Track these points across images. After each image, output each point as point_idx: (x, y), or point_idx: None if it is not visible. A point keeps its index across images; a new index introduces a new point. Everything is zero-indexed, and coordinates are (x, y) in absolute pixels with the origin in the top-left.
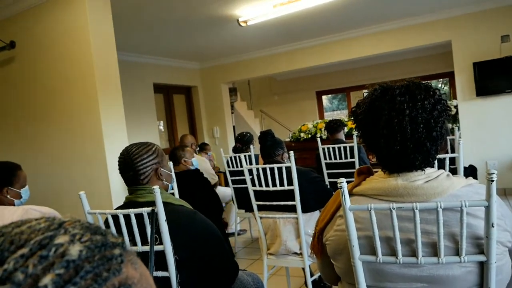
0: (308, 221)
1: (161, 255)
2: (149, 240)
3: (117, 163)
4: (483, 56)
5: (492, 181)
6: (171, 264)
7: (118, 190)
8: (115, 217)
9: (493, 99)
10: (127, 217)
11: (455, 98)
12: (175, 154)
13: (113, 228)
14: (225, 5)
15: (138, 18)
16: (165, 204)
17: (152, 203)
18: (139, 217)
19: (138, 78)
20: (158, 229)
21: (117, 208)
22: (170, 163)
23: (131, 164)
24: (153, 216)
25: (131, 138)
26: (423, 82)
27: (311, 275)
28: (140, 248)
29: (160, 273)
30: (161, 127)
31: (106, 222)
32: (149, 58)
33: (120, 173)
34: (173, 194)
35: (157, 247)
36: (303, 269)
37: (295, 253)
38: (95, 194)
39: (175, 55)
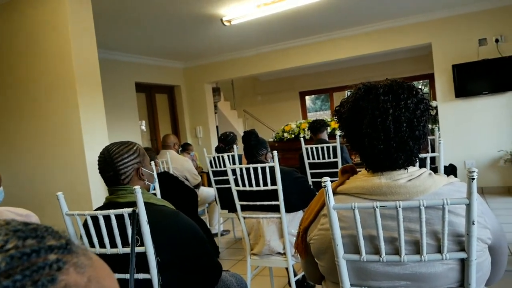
0: (292, 221)
1: (143, 257)
2: (130, 242)
3: (97, 162)
4: (462, 59)
5: (473, 179)
6: (153, 266)
7: (98, 190)
8: (95, 219)
9: (472, 100)
10: (107, 218)
11: (435, 99)
12: None
13: (92, 230)
14: (209, 4)
15: (121, 16)
16: (147, 204)
17: (133, 204)
18: (119, 218)
19: (120, 76)
20: (140, 231)
21: (96, 209)
22: (152, 163)
23: (111, 163)
24: (134, 217)
25: (112, 138)
26: (406, 82)
27: (295, 275)
28: (120, 250)
29: (141, 276)
30: (143, 127)
31: (85, 223)
32: (132, 56)
33: (100, 173)
34: (155, 194)
35: (138, 249)
36: (287, 269)
37: (279, 253)
38: (74, 195)
39: (158, 54)
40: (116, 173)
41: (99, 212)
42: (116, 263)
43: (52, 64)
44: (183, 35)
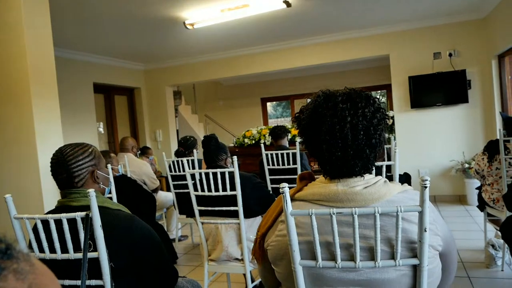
0: (250, 227)
1: (96, 262)
2: (82, 247)
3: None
4: (417, 71)
5: (426, 187)
6: (106, 272)
7: (51, 194)
8: (45, 223)
9: (426, 111)
10: (58, 223)
11: (392, 109)
12: None
13: (42, 234)
14: (172, 7)
15: (79, 13)
16: (102, 208)
17: (87, 208)
18: (72, 222)
19: (77, 76)
20: (93, 235)
21: (48, 213)
22: (109, 166)
23: (64, 165)
24: (87, 221)
25: (68, 139)
26: (364, 91)
27: (252, 281)
28: (72, 255)
29: (94, 282)
30: (101, 129)
31: (35, 228)
32: (90, 56)
33: (52, 175)
34: (111, 198)
35: (91, 254)
36: (244, 275)
37: (237, 259)
38: (25, 198)
39: (118, 54)
40: (69, 176)
41: (50, 216)
42: (67, 269)
43: (4, 61)
44: (145, 37)
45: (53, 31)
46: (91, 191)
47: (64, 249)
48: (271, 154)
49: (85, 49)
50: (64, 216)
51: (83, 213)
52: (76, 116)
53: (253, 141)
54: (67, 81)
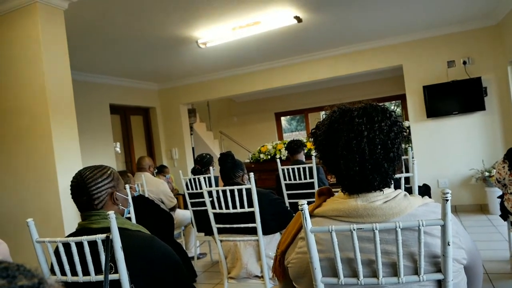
0: (269, 243)
1: (117, 284)
2: (103, 269)
3: (69, 187)
4: (432, 80)
5: (447, 200)
6: None
7: (71, 216)
8: (67, 246)
9: (442, 120)
10: (79, 245)
11: (407, 119)
12: None
13: (64, 257)
14: (184, 27)
15: (94, 37)
16: (121, 230)
17: (107, 230)
18: (92, 244)
19: (93, 98)
20: (113, 257)
21: (68, 236)
22: (127, 186)
23: (84, 188)
24: (107, 243)
25: (86, 160)
26: (379, 104)
27: None
28: (93, 278)
29: None
30: (118, 149)
31: (57, 250)
32: (106, 78)
33: (72, 198)
34: (129, 219)
35: (112, 276)
36: None
37: (256, 276)
38: (46, 221)
39: (132, 75)
40: (89, 198)
41: (71, 238)
42: None
43: (24, 86)
44: (158, 57)
45: (70, 55)
46: (111, 213)
47: (86, 272)
48: (288, 169)
49: (101, 72)
50: (85, 239)
51: (103, 235)
52: (94, 137)
53: (269, 156)
54: (84, 103)
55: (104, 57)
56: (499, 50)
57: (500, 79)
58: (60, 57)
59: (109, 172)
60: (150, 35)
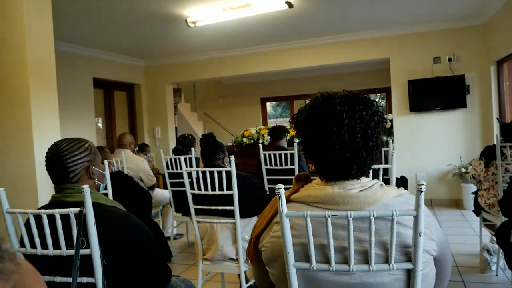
0: (246, 227)
1: (88, 259)
2: (74, 244)
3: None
4: (417, 75)
5: (421, 191)
6: (98, 269)
7: (47, 189)
8: (38, 218)
9: (424, 115)
10: (51, 218)
11: (390, 112)
12: None
13: (34, 230)
14: (174, 4)
15: (80, 7)
16: (96, 205)
17: (81, 204)
18: (65, 218)
19: (77, 70)
20: (86, 232)
21: (41, 208)
22: (106, 162)
23: (60, 160)
24: (80, 217)
25: (66, 134)
26: (362, 94)
27: (247, 281)
28: (64, 252)
29: (85, 279)
30: (100, 124)
31: (27, 223)
32: (91, 50)
33: (47, 169)
34: (106, 195)
35: (84, 251)
36: (239, 275)
37: (231, 259)
38: (19, 192)
39: (118, 50)
40: (64, 171)
41: (43, 211)
42: (58, 265)
43: (4, 52)
44: (146, 33)
45: (54, 24)
46: (86, 187)
47: (56, 245)
48: (269, 154)
49: (85, 43)
50: (57, 212)
51: (76, 209)
52: (75, 110)
53: (252, 141)
54: (66, 75)
55: (90, 28)
56: (484, 50)
57: (483, 78)
58: (44, 25)
59: (86, 145)
60: (139, 9)
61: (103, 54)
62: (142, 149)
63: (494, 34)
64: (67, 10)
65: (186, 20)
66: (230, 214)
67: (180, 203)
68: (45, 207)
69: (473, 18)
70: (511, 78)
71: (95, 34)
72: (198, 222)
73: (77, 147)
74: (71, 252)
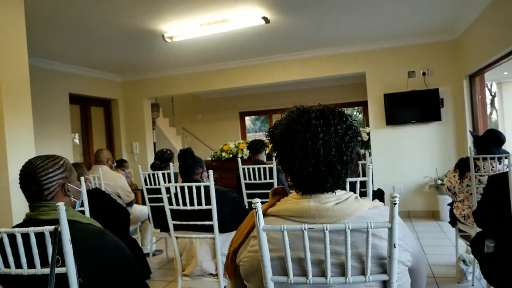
0: (225, 242)
1: (64, 278)
2: (49, 262)
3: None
4: (392, 89)
5: (395, 204)
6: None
7: (21, 207)
8: (12, 237)
9: (401, 128)
10: (26, 237)
11: (368, 125)
12: None
13: (8, 249)
14: (151, 19)
15: (56, 22)
16: (72, 222)
17: (56, 221)
18: (40, 236)
19: (52, 86)
20: (62, 250)
21: (15, 227)
22: (82, 179)
23: (34, 177)
24: (55, 235)
25: (41, 150)
26: (337, 108)
27: None
28: (39, 271)
29: None
30: (76, 140)
31: (1, 242)
32: (66, 66)
33: (21, 187)
34: (83, 212)
35: (59, 270)
36: None
37: (211, 274)
38: None
39: (94, 65)
40: (39, 188)
41: (17, 229)
42: (33, 285)
43: None
44: (123, 48)
45: (29, 40)
46: (61, 205)
47: (31, 264)
48: (248, 169)
49: (61, 59)
50: (31, 230)
51: (51, 227)
52: (51, 127)
53: (231, 155)
54: (41, 91)
55: (65, 44)
56: (457, 64)
57: (456, 92)
58: (17, 40)
59: (61, 162)
60: (115, 24)
61: (79, 69)
62: (120, 165)
63: (466, 49)
64: (42, 26)
65: (163, 35)
66: (209, 229)
67: (158, 219)
68: (19, 225)
69: (445, 33)
70: (482, 92)
71: (71, 50)
72: (177, 237)
73: (52, 164)
74: (46, 271)
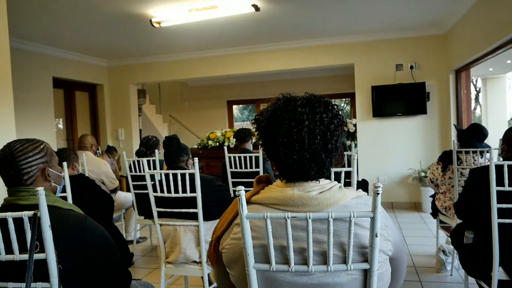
0: (210, 229)
1: (43, 264)
2: (28, 248)
3: None
4: (380, 81)
5: (378, 193)
6: (54, 274)
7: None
8: None
9: (387, 120)
10: (4, 222)
11: (355, 117)
12: (61, 156)
13: None
14: (138, 3)
15: (38, 4)
16: (52, 208)
17: (36, 207)
18: (18, 222)
19: (35, 69)
20: (41, 236)
21: None
22: (65, 164)
23: (12, 162)
24: (35, 220)
25: (23, 135)
26: (323, 97)
27: (210, 284)
28: (17, 256)
29: (40, 285)
30: (60, 125)
31: None
32: (50, 49)
33: None
34: (66, 198)
35: (38, 256)
36: (202, 278)
37: (195, 261)
38: None
39: (80, 49)
40: (17, 173)
41: None
42: (11, 270)
43: None
44: (109, 32)
45: (10, 20)
46: (40, 190)
47: (9, 250)
48: (234, 157)
49: (45, 42)
50: (10, 215)
51: (30, 212)
52: (33, 111)
53: (217, 144)
54: (24, 74)
55: (49, 26)
56: (444, 59)
57: (442, 86)
58: None
59: (42, 146)
60: (101, 7)
61: (64, 52)
62: (109, 151)
63: (453, 43)
64: (24, 7)
65: (150, 20)
66: (193, 216)
67: (143, 206)
68: None
69: (434, 28)
70: (468, 87)
71: (54, 33)
72: (160, 225)
73: (31, 148)
74: (25, 257)
